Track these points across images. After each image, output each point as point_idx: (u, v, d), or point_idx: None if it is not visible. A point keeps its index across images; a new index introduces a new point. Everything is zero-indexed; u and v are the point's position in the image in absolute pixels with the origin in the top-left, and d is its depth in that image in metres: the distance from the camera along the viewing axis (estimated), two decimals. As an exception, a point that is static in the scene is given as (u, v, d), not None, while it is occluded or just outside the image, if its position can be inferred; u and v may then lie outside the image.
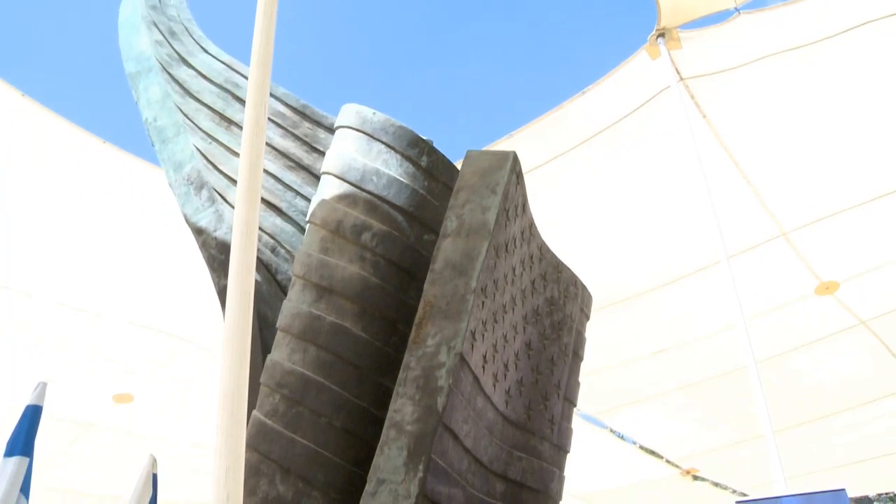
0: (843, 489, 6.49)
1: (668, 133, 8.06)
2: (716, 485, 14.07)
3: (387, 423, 3.69)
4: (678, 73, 7.75)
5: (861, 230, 9.37)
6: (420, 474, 3.69)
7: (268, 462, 4.01)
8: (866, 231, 9.38)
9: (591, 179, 8.57)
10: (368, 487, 3.80)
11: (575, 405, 5.02)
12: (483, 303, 3.81)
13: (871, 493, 37.44)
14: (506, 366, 4.16)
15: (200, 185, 5.13)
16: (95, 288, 9.41)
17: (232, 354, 2.08)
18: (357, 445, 4.16)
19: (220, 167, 5.09)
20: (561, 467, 4.88)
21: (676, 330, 10.31)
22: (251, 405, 4.07)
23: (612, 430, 11.99)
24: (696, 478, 14.00)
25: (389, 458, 3.77)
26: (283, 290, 4.84)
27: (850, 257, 9.65)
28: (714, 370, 10.56)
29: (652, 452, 13.05)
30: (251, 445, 4.02)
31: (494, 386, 4.06)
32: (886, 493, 38.17)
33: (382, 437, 3.71)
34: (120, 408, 11.48)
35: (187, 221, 5.07)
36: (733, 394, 10.73)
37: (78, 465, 12.18)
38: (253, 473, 4.03)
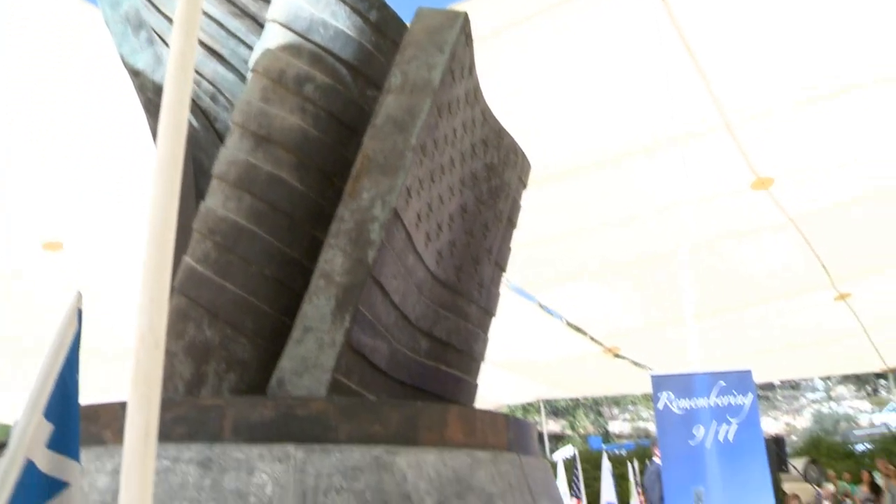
0: (749, 371, 6.91)
1: (627, 13, 7.92)
2: (635, 364, 14.72)
3: (316, 272, 3.73)
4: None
5: (802, 130, 9.52)
6: (346, 324, 3.77)
7: (196, 307, 4.03)
8: (807, 131, 9.53)
9: (544, 51, 8.42)
10: (294, 334, 3.87)
11: (504, 271, 5.13)
12: (421, 161, 3.80)
13: (776, 380, 39.75)
14: (439, 226, 4.20)
15: (139, 25, 4.91)
16: (23, 128, 9.04)
17: (162, 188, 2.03)
18: (286, 295, 4.21)
19: (161, 8, 4.86)
20: (486, 330, 5.04)
21: (612, 209, 10.46)
22: (182, 251, 4.07)
23: (540, 305, 12.33)
24: (617, 356, 14.62)
25: (317, 306, 3.84)
26: (221, 139, 4.75)
27: (787, 155, 9.83)
28: (645, 252, 10.83)
29: (578, 329, 13.51)
30: (180, 290, 4.04)
31: (427, 245, 4.11)
32: (789, 381, 40.54)
33: (311, 286, 3.76)
34: (49, 255, 11.29)
35: (124, 62, 4.88)
36: (661, 277, 11.07)
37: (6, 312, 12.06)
38: (181, 318, 4.06)
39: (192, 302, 4.05)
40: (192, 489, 3.29)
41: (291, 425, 3.51)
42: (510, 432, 4.07)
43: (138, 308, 2.09)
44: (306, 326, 3.87)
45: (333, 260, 3.68)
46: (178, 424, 3.51)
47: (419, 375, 4.40)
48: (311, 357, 3.85)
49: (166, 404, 3.75)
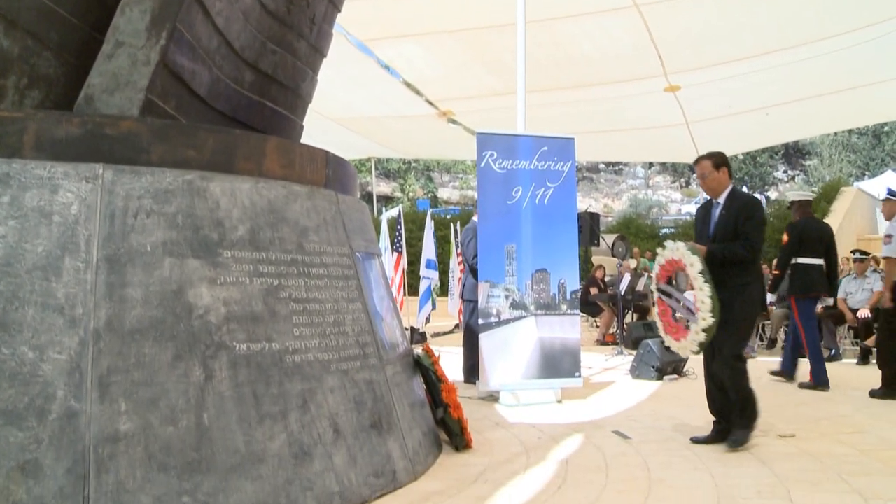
0: (573, 138, 7.20)
1: None
2: (467, 129, 14.99)
3: (129, -19, 3.40)
4: None
5: None
6: (162, 42, 3.53)
7: (-10, 11, 3.60)
8: None
9: None
10: (105, 48, 3.60)
11: (339, 10, 4.91)
12: None
13: (601, 164, 42.13)
14: (270, -52, 3.90)
15: None
16: None
17: None
18: (98, 7, 3.85)
19: None
20: (315, 69, 4.89)
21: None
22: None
23: (379, 61, 12.06)
24: (451, 120, 14.78)
25: (131, 20, 3.55)
26: None
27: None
28: (486, 21, 10.65)
29: (414, 89, 13.42)
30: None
31: (254, -32, 3.83)
32: (613, 166, 43.08)
33: (124, -3, 3.44)
34: None
35: None
36: (500, 47, 11.02)
37: None
38: (-26, 21, 3.63)
39: (-16, 4, 3.61)
40: (-11, 205, 3.13)
41: (100, 144, 3.34)
42: (329, 169, 4.09)
43: None
44: (118, 41, 3.59)
45: (148, -32, 3.35)
46: (-29, 136, 3.26)
47: (241, 108, 4.26)
48: (122, 74, 3.61)
49: (-48, 106, 3.46)
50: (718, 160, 4.99)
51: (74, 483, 2.84)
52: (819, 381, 7.16)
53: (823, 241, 7.70)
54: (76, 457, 2.88)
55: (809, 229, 7.70)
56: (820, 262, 7.57)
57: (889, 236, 6.76)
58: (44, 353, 2.97)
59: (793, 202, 8.03)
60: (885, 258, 6.95)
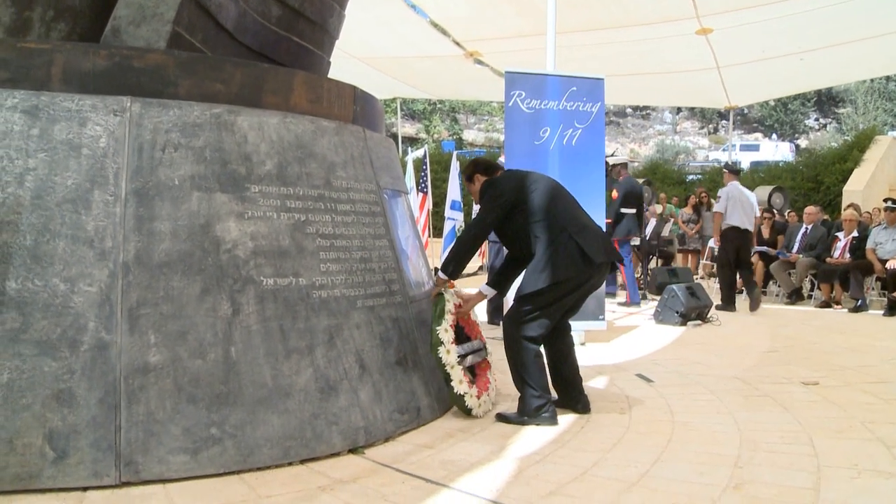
0: (602, 79, 7.06)
1: None
2: (494, 70, 14.77)
3: None
4: None
5: None
6: (190, -28, 3.48)
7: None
8: None
9: None
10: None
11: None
12: None
13: (629, 108, 41.52)
14: None
15: None
16: None
17: None
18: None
19: None
20: (342, 5, 4.80)
21: None
22: None
23: (405, 0, 11.84)
24: (478, 61, 14.57)
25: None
26: None
27: None
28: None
29: (441, 29, 13.20)
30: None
31: None
32: (640, 111, 42.49)
33: (150, -76, 3.37)
34: None
35: None
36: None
37: None
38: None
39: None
40: (17, 138, 3.13)
41: (127, 76, 3.32)
42: (357, 105, 4.04)
43: None
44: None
45: None
46: (-2, 68, 3.25)
47: (268, 43, 4.20)
48: (149, 6, 3.57)
49: (-20, 37, 3.45)
50: (468, 173, 4.36)
51: (106, 413, 2.90)
52: (634, 300, 9.75)
53: (637, 197, 10.05)
54: (107, 387, 2.93)
55: (630, 187, 10.01)
56: (633, 211, 9.96)
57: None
58: (75, 286, 3.00)
59: (614, 166, 10.40)
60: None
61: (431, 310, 4.00)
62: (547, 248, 3.93)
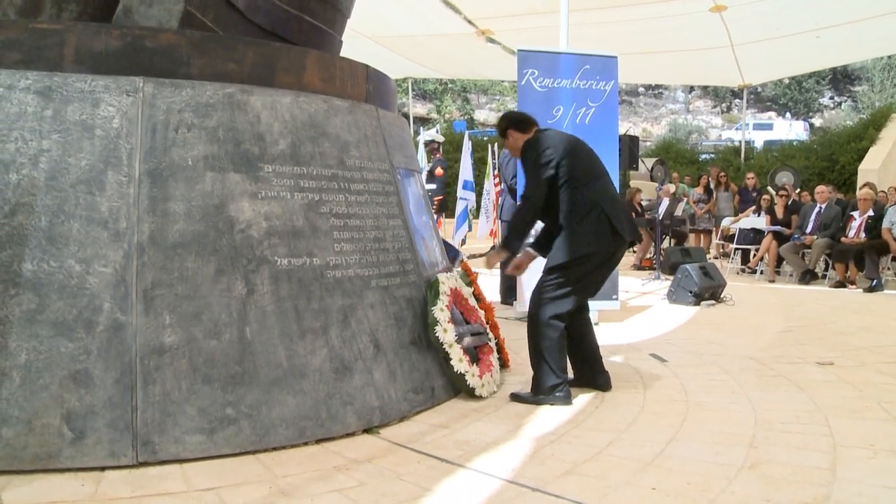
0: (616, 57, 7.00)
1: None
2: (506, 49, 14.67)
3: None
4: None
5: None
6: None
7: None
8: None
9: None
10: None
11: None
12: None
13: (641, 87, 41.19)
14: None
15: None
16: None
17: None
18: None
19: None
20: (355, -18, 4.77)
21: None
22: None
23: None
24: (490, 40, 14.46)
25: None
26: None
27: None
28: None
29: (453, 7, 13.09)
30: None
31: None
32: (653, 91, 42.18)
33: None
34: None
35: None
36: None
37: None
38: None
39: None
40: (31, 119, 3.13)
41: (140, 57, 3.30)
42: (370, 84, 4.02)
43: None
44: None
45: None
46: (10, 49, 3.23)
47: (280, 22, 4.17)
48: (160, -15, 3.55)
49: (-7, 19, 3.44)
50: (501, 127, 4.25)
51: (123, 393, 2.91)
52: None
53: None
54: (124, 368, 2.94)
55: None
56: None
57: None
58: (90, 267, 3.01)
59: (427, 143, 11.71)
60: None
61: (426, 292, 3.98)
62: (583, 220, 3.88)
